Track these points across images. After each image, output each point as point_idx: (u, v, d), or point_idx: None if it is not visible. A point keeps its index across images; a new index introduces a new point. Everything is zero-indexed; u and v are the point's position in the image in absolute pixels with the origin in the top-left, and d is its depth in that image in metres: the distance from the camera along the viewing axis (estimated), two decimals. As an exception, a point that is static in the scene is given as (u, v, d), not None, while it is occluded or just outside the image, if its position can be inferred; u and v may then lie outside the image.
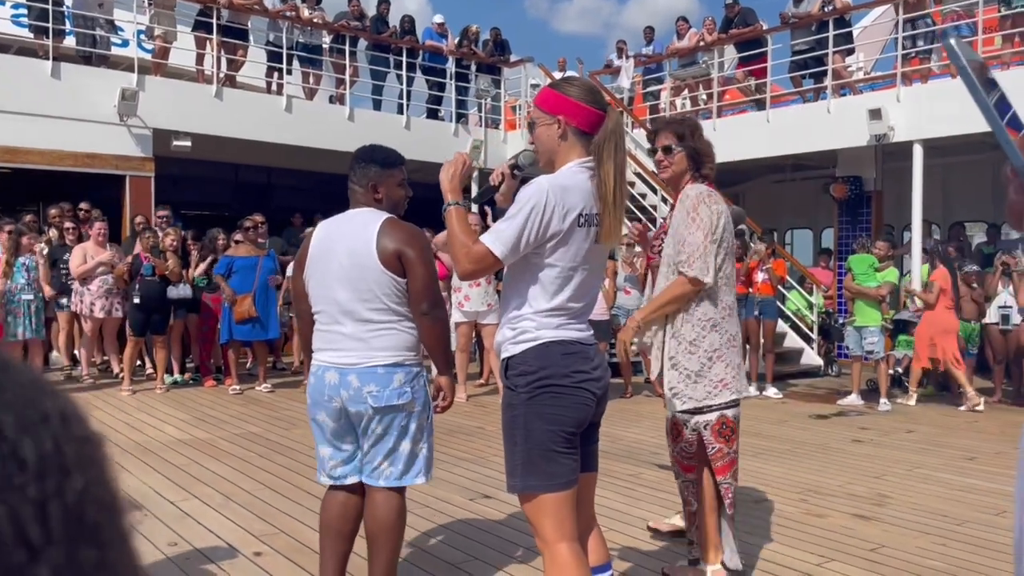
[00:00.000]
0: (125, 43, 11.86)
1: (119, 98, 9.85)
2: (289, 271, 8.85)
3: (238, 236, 8.84)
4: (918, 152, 9.87)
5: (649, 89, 13.96)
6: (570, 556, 2.31)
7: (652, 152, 3.41)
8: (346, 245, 2.88)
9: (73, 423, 0.42)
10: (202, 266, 8.86)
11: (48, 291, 8.43)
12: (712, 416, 3.25)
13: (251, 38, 11.67)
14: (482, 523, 4.26)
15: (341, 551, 3.02)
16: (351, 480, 2.99)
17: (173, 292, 8.35)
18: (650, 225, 10.71)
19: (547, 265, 2.33)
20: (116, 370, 8.87)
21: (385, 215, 2.92)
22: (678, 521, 3.77)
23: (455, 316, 8.23)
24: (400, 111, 12.49)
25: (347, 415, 2.89)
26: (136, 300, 8.11)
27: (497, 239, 2.29)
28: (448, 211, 2.43)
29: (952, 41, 0.63)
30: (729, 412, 3.27)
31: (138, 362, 9.14)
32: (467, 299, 8.10)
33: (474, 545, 3.92)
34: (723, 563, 3.37)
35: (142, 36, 11.23)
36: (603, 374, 2.42)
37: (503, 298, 2.46)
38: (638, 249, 8.57)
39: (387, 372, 2.84)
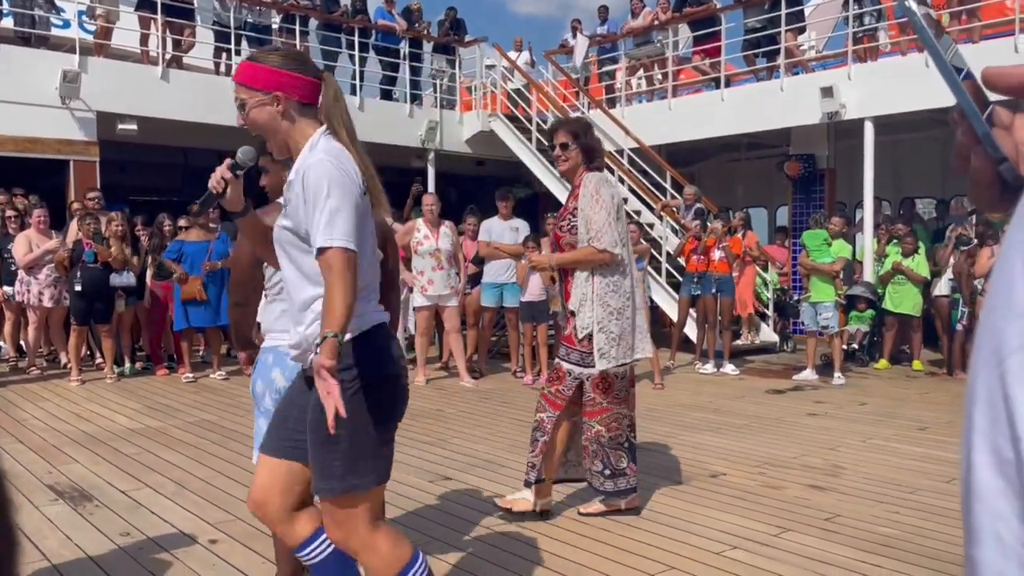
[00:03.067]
0: (66, 24, 11.46)
1: (60, 80, 9.53)
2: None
3: (182, 222, 8.66)
4: (869, 129, 10.00)
5: (604, 69, 13.94)
6: (392, 536, 2.24)
7: (551, 148, 3.91)
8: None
9: None
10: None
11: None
12: (595, 371, 3.81)
13: (198, 18, 11.37)
14: (442, 504, 4.23)
15: None
16: None
17: (116, 280, 8.10)
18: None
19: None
20: (64, 361, 8.64)
21: None
22: (528, 496, 3.98)
23: (416, 300, 8.14)
24: (353, 92, 12.29)
25: None
26: (77, 288, 7.86)
27: (343, 234, 2.03)
28: None
29: None
30: (619, 370, 3.85)
31: (87, 352, 8.92)
32: (431, 283, 8.00)
33: (434, 526, 3.89)
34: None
35: (83, 16, 10.89)
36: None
37: (290, 294, 2.25)
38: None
39: None
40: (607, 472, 3.96)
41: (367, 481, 2.14)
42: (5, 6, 10.27)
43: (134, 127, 10.19)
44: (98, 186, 9.70)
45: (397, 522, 3.96)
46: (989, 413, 0.50)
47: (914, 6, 0.62)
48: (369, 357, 2.13)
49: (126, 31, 10.92)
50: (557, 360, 3.96)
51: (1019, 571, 0.48)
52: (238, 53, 11.32)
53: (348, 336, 2.05)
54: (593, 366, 3.80)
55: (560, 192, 11.93)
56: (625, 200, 11.66)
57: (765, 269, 11.06)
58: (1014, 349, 0.49)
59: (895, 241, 9.34)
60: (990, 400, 0.50)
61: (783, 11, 10.76)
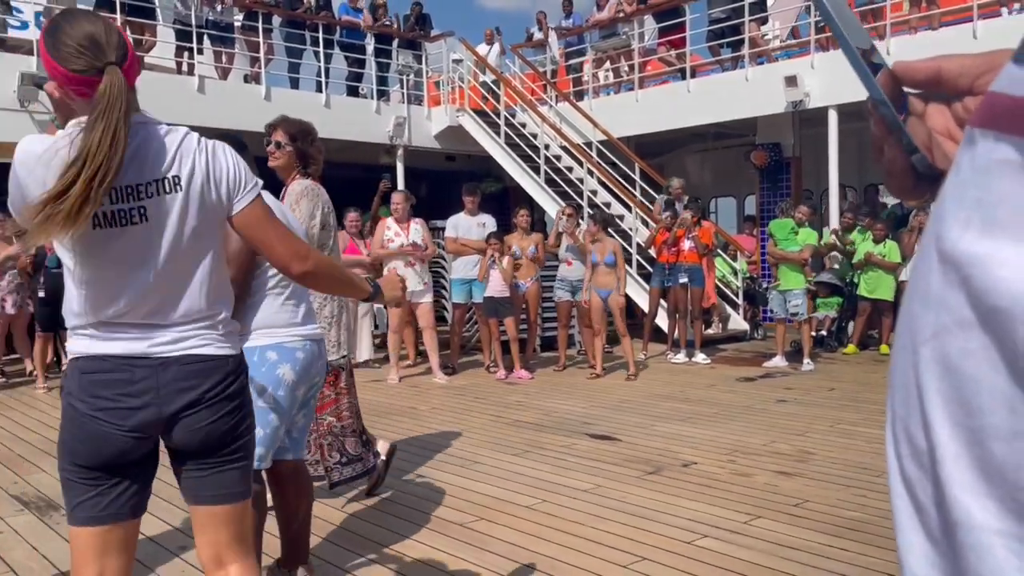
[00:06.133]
0: (24, 25, 11.26)
1: (19, 83, 9.36)
2: None
3: None
4: (833, 117, 10.11)
5: (571, 62, 13.95)
6: None
7: (267, 143, 3.91)
8: None
9: None
10: None
11: None
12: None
13: (159, 16, 11.21)
14: (412, 502, 4.23)
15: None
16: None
17: None
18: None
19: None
20: (29, 368, 8.50)
21: None
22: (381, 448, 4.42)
23: (388, 297, 8.11)
24: (319, 89, 12.20)
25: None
26: (41, 294, 7.74)
27: None
28: None
29: None
30: (340, 364, 4.03)
31: (54, 358, 8.78)
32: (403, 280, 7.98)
33: (407, 525, 3.88)
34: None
35: (41, 17, 10.68)
36: (151, 402, 1.87)
37: None
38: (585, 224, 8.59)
39: None
40: (343, 460, 4.17)
41: (67, 512, 1.99)
42: (-41, 8, 10.06)
43: (96, 129, 10.03)
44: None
45: (371, 522, 3.95)
46: (905, 401, 0.51)
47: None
48: (67, 386, 1.95)
49: (85, 31, 10.73)
50: None
51: (942, 561, 0.49)
52: (200, 52, 11.19)
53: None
54: None
55: (531, 186, 11.94)
56: (594, 192, 11.72)
57: (734, 259, 11.16)
58: (926, 338, 0.49)
59: (859, 228, 9.47)
60: (906, 388, 0.51)
61: (746, 1, 10.84)
